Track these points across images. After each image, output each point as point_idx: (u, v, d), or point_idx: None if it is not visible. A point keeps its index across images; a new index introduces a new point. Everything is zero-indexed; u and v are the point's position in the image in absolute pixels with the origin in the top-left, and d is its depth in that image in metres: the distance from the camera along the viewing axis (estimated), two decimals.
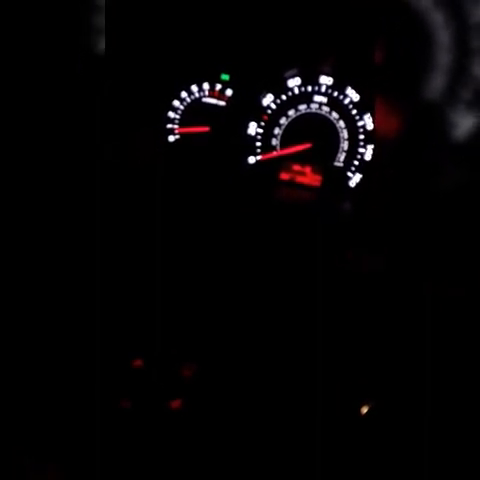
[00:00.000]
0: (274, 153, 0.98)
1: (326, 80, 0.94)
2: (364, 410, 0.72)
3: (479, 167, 0.63)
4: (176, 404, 0.71)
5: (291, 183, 0.99)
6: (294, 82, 0.94)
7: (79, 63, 0.75)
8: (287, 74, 0.94)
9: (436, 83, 0.63)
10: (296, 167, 0.99)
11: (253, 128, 0.97)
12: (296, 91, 0.95)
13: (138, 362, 0.73)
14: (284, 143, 0.98)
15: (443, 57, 0.62)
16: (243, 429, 0.71)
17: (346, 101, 0.95)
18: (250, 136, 0.97)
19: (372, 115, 0.94)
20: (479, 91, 0.63)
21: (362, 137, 0.96)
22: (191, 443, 0.69)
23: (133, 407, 0.69)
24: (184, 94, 0.96)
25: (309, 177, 0.99)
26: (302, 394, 0.75)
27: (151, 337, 0.77)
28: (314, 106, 0.95)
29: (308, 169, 0.99)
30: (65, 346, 0.75)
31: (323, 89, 0.94)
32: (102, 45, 0.76)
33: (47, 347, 0.75)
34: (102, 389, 0.71)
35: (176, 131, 0.98)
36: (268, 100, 0.95)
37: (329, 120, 0.96)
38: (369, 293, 0.81)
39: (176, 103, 0.97)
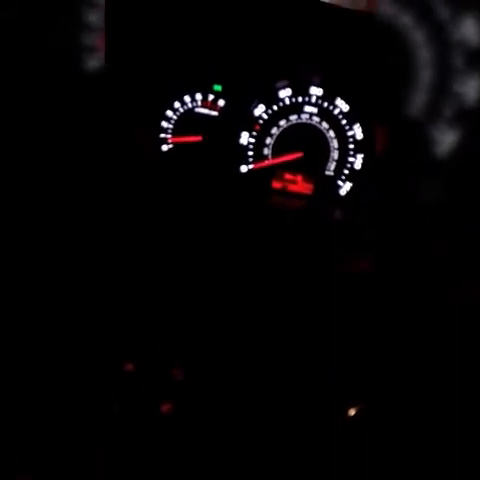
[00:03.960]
0: (266, 162, 1.00)
1: (316, 91, 0.95)
2: (352, 412, 0.73)
3: (460, 183, 0.65)
4: (166, 408, 0.72)
5: (283, 191, 1.01)
6: (285, 93, 0.96)
7: (70, 80, 0.77)
8: (278, 85, 0.96)
9: (418, 100, 0.65)
10: (288, 176, 1.01)
11: (245, 138, 0.98)
12: (287, 102, 0.97)
13: (129, 366, 0.74)
14: (276, 152, 0.99)
15: (425, 75, 0.64)
16: (233, 432, 0.73)
17: (336, 111, 0.96)
18: (242, 145, 0.99)
19: (362, 125, 0.96)
20: (460, 108, 0.64)
21: (352, 147, 0.98)
22: (182, 447, 0.71)
23: (124, 409, 0.71)
24: (177, 104, 0.98)
25: (300, 185, 1.01)
26: (292, 396, 0.76)
27: (142, 341, 0.78)
28: (305, 116, 0.97)
29: (299, 178, 1.00)
30: (56, 349, 0.76)
31: (313, 100, 0.96)
32: (92, 63, 0.77)
33: (38, 350, 0.76)
34: (93, 392, 0.72)
35: (169, 141, 1.00)
36: (260, 110, 0.97)
37: (319, 130, 0.98)
38: (359, 293, 0.83)
39: (169, 113, 0.99)
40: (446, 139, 0.63)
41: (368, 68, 0.83)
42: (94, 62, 0.78)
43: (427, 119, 0.64)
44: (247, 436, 0.72)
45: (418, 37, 0.63)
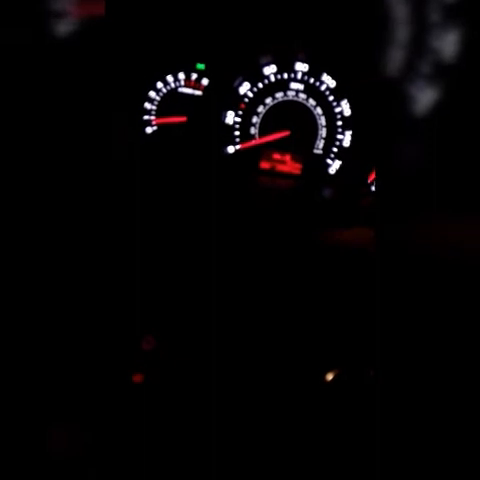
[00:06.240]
0: (253, 142, 0.97)
1: (302, 67, 0.93)
2: (330, 377, 0.71)
3: (438, 141, 0.62)
4: (138, 378, 0.70)
5: (272, 172, 0.99)
6: (270, 70, 0.94)
7: (39, 48, 0.75)
8: (262, 61, 0.94)
9: (395, 58, 0.62)
10: (276, 156, 0.98)
11: (231, 117, 0.96)
12: (272, 79, 0.95)
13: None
14: (262, 131, 0.97)
15: (401, 32, 0.61)
16: (204, 401, 0.71)
17: (322, 87, 0.94)
18: (228, 125, 0.97)
19: (349, 101, 0.93)
20: (438, 65, 0.62)
21: (340, 123, 0.95)
22: (153, 416, 0.69)
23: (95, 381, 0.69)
24: (160, 84, 0.96)
25: (289, 165, 0.98)
26: (263, 367, 0.74)
27: (113, 311, 0.76)
28: (291, 93, 0.95)
29: (288, 157, 0.98)
30: (37, 326, 0.75)
31: (299, 76, 0.94)
32: (61, 29, 0.76)
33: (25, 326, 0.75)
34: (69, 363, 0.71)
35: (153, 122, 0.98)
36: (245, 88, 0.95)
37: (306, 107, 0.95)
38: (355, 268, 0.80)
39: (152, 94, 0.97)
40: (424, 96, 0.61)
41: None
42: (64, 27, 0.76)
43: (405, 77, 0.61)
44: (217, 406, 0.70)
45: None
